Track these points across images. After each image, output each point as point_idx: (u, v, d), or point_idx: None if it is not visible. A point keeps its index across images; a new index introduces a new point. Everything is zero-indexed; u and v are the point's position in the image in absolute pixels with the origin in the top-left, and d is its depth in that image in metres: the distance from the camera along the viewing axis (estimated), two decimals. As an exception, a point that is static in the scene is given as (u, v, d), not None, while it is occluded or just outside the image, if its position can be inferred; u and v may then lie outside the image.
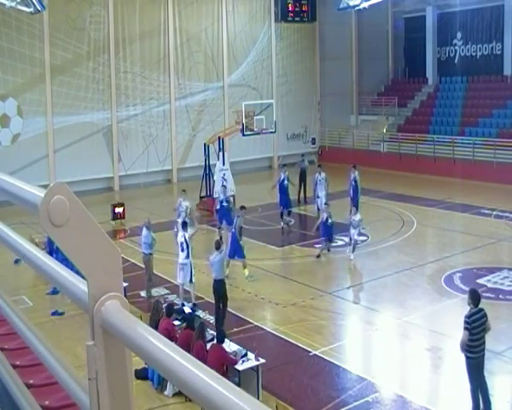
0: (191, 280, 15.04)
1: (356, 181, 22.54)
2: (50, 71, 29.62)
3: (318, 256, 18.38)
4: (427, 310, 14.64)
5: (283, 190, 22.48)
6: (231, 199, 18.22)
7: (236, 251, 16.85)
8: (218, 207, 19.88)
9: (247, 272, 16.76)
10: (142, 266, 16.22)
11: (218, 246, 14.15)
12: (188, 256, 14.97)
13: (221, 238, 17.29)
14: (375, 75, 40.55)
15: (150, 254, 15.89)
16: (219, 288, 13.73)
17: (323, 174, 23.20)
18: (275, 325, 13.98)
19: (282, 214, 22.23)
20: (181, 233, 15.34)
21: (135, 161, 32.20)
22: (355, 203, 21.51)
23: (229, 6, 35.07)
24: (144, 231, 15.98)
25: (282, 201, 22.43)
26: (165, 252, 18.49)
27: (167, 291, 16.23)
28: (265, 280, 16.97)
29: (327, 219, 18.29)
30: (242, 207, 18.24)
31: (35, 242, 13.39)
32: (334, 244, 19.48)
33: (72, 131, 30.07)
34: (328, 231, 18.45)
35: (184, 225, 15.70)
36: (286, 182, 22.59)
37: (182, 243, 15.06)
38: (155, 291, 15.96)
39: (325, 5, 37.58)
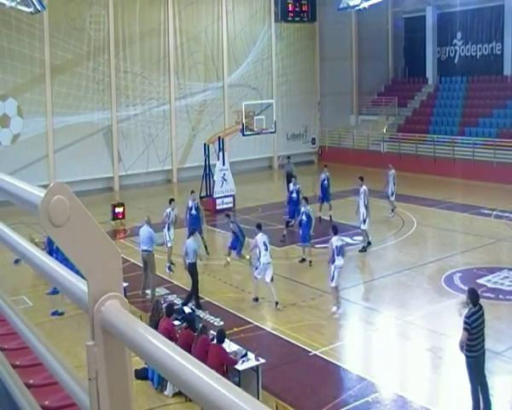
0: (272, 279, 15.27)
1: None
2: (50, 71, 29.63)
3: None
4: (427, 310, 14.64)
5: (293, 202, 21.43)
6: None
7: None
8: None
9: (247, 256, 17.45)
10: (142, 265, 16.16)
11: (192, 232, 15.35)
12: (271, 255, 15.40)
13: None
14: (375, 75, 40.56)
15: (152, 251, 15.90)
16: (192, 270, 15.04)
17: (364, 187, 19.96)
18: (275, 325, 13.98)
19: (287, 223, 21.34)
20: (260, 233, 15.48)
21: (135, 161, 32.22)
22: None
23: (229, 6, 35.08)
24: (147, 228, 15.93)
25: (291, 211, 21.41)
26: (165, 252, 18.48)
27: (167, 291, 16.23)
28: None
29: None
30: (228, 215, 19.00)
31: (35, 242, 13.38)
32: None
33: (72, 131, 30.08)
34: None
35: (259, 226, 16.01)
36: (294, 195, 21.41)
37: (265, 243, 15.23)
38: (157, 291, 15.95)
39: (325, 5, 37.58)
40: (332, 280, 14.51)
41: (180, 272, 17.73)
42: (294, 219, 20.92)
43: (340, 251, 14.61)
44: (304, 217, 18.23)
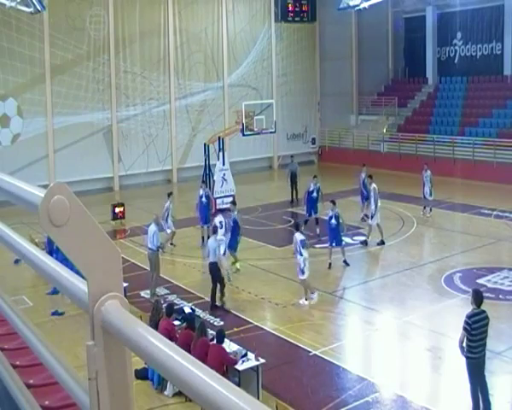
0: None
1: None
2: (50, 71, 29.63)
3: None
4: (427, 310, 14.64)
5: (312, 200, 21.15)
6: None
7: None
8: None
9: (238, 265, 17.58)
10: (142, 265, 16.20)
11: (215, 230, 15.36)
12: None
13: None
14: (375, 75, 40.55)
15: (157, 249, 15.89)
16: (213, 269, 14.89)
17: (374, 185, 20.21)
18: (275, 325, 13.98)
19: (306, 221, 21.11)
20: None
21: (135, 161, 32.22)
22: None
23: (229, 6, 35.09)
24: (154, 227, 15.95)
25: (309, 209, 21.22)
26: (166, 252, 18.48)
27: (167, 291, 16.22)
28: (265, 280, 16.97)
29: None
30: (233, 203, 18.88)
31: (35, 242, 13.39)
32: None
33: (72, 131, 30.08)
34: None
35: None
36: (315, 194, 21.12)
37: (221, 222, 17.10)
38: (157, 291, 15.95)
39: (325, 5, 37.58)
40: (303, 273, 14.97)
41: (182, 271, 17.76)
42: (312, 216, 21.00)
43: (305, 244, 15.16)
44: (333, 220, 17.80)
